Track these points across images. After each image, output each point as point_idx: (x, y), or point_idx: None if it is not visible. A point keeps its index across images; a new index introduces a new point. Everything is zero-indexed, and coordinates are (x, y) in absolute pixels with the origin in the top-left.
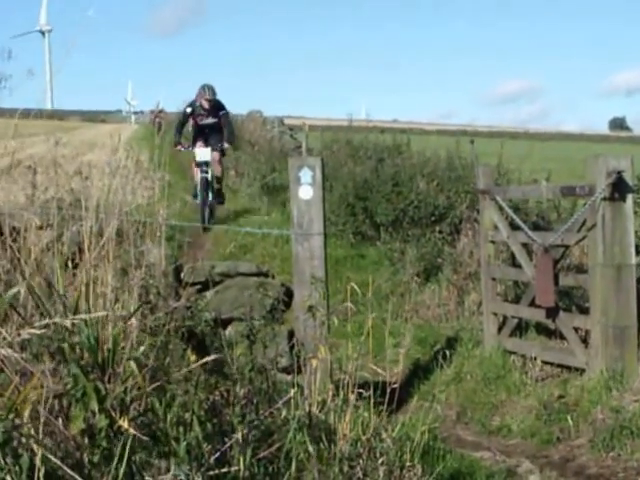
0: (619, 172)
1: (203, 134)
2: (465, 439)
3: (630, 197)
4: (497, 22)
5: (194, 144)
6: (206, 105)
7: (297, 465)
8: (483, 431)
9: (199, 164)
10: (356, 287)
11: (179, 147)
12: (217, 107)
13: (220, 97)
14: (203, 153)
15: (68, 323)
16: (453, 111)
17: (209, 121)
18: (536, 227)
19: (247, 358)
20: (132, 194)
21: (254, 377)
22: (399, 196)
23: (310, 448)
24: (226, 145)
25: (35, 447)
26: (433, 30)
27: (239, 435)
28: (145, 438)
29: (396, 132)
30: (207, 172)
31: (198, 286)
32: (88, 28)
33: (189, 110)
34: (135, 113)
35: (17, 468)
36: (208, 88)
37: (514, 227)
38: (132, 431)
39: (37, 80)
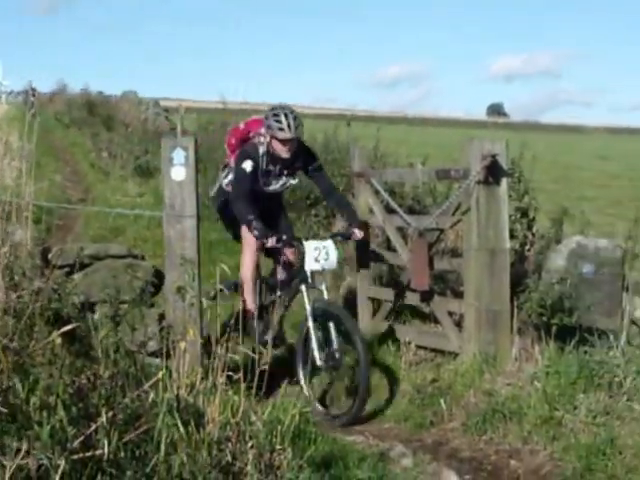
0: (493, 155)
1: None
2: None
3: (504, 181)
4: (381, 6)
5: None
6: (285, 152)
7: (165, 449)
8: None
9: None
10: (226, 269)
11: (269, 241)
12: (303, 155)
13: (94, 78)
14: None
15: None
16: (335, 95)
17: (279, 186)
18: (411, 211)
19: (112, 340)
20: (0, 174)
21: (120, 359)
22: None
23: (178, 431)
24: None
25: None
26: (318, 13)
27: (104, 418)
28: (3, 419)
29: None
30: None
31: (66, 269)
32: None
33: (250, 167)
34: (6, 93)
35: None
36: (288, 114)
37: (389, 211)
38: None
39: None
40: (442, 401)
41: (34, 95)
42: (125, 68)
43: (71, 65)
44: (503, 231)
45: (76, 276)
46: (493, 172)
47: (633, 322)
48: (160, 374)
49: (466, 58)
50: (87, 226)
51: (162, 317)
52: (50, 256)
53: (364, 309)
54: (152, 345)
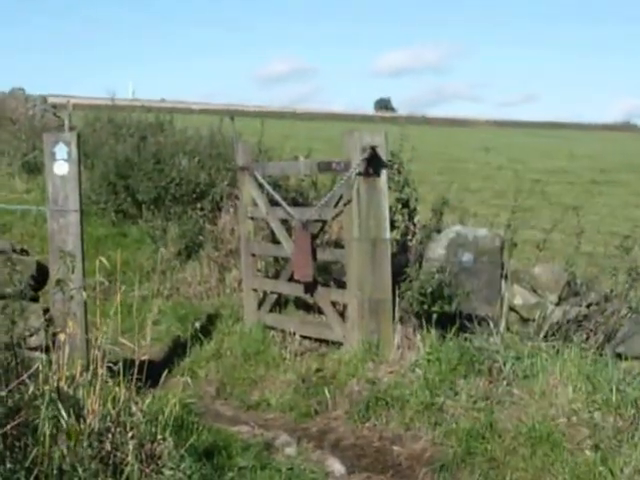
0: (372, 147)
1: None
2: (224, 414)
3: (384, 172)
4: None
5: None
6: None
7: (45, 441)
8: (242, 406)
9: None
10: (106, 262)
11: None
12: None
13: None
14: None
15: None
16: (223, 91)
17: None
18: (295, 203)
19: None
20: None
21: None
22: (161, 174)
23: (59, 423)
24: None
25: None
26: (203, 8)
27: None
28: None
29: (163, 111)
30: None
31: None
32: None
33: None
34: None
35: None
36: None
37: (273, 203)
38: None
39: None
40: (326, 390)
41: None
42: (12, 64)
43: None
44: (384, 221)
45: None
46: (373, 164)
47: (512, 309)
48: (37, 366)
49: (352, 54)
50: None
51: (47, 311)
52: None
53: (249, 300)
54: (36, 339)
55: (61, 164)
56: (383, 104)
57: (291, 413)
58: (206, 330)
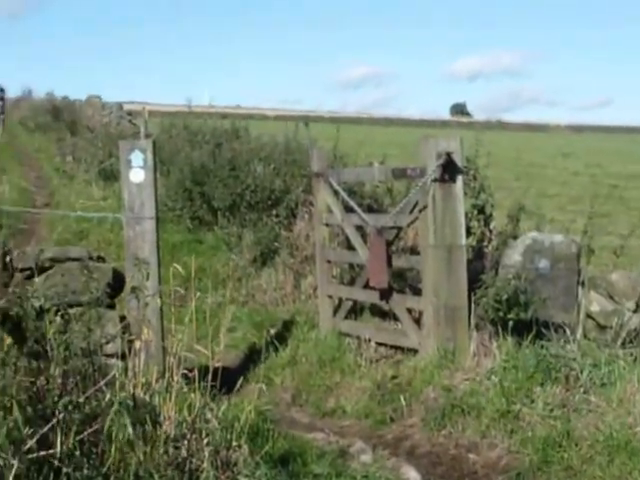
0: (448, 153)
1: None
2: (299, 421)
3: (460, 178)
4: (343, 7)
5: None
6: None
7: (121, 447)
8: (317, 413)
9: None
10: (180, 269)
11: None
12: None
13: (60, 83)
14: None
15: None
16: (299, 97)
17: None
18: (370, 210)
19: (65, 341)
20: None
21: (73, 360)
22: (236, 180)
23: (130, 430)
24: None
25: None
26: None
27: (58, 418)
28: None
29: (238, 118)
30: None
31: (27, 272)
32: None
33: None
34: None
35: None
36: None
37: (348, 210)
38: None
39: None
40: (402, 397)
41: (2, 99)
42: (91, 72)
43: (37, 70)
44: (459, 228)
45: (37, 279)
46: (448, 170)
47: (589, 316)
48: (113, 373)
49: (429, 58)
50: (52, 230)
51: (123, 319)
52: (7, 259)
53: (325, 307)
54: (112, 347)
55: (137, 171)
56: (459, 109)
57: (366, 420)
58: (281, 337)
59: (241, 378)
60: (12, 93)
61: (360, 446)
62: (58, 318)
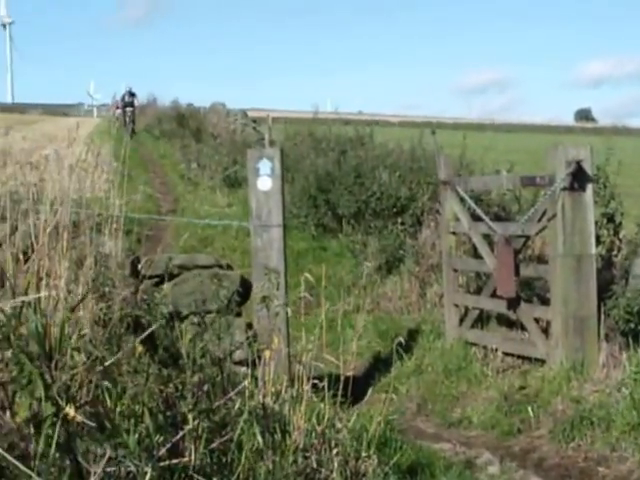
0: (578, 162)
1: None
2: (425, 431)
3: (590, 187)
4: (467, 13)
5: None
6: None
7: (250, 456)
8: (443, 423)
9: None
10: (310, 277)
11: None
12: None
13: (184, 90)
14: None
15: (8, 306)
16: (421, 102)
17: None
18: (497, 218)
19: (197, 348)
20: (91, 187)
21: (205, 368)
22: (361, 188)
23: (259, 439)
24: None
25: None
26: (402, 21)
27: (191, 426)
28: (92, 424)
29: (361, 124)
30: None
31: (156, 279)
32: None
33: None
34: (98, 106)
35: None
36: None
37: (475, 218)
38: (79, 418)
39: None
40: (529, 408)
41: (133, 105)
42: (214, 79)
43: (161, 77)
44: (589, 237)
45: (165, 286)
46: (578, 178)
47: None
48: (245, 382)
49: (552, 64)
50: (177, 237)
51: (250, 326)
52: (140, 267)
53: (451, 315)
54: (239, 354)
55: (265, 179)
56: (583, 114)
57: (493, 431)
58: (407, 345)
59: (369, 387)
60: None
61: (487, 457)
62: (188, 326)
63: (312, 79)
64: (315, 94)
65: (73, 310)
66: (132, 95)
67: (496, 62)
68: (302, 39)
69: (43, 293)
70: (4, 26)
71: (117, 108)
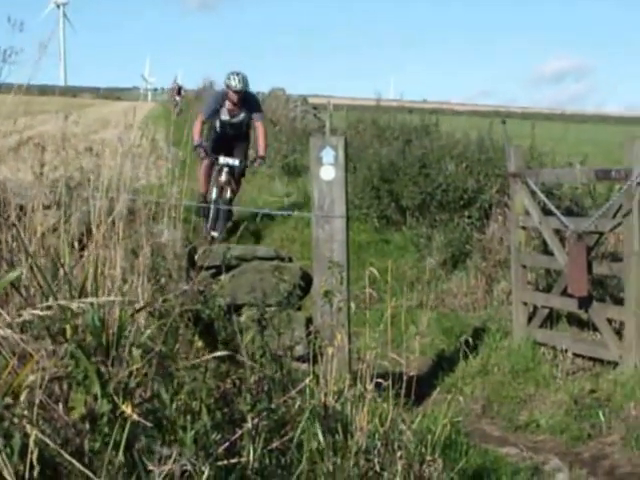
0: None
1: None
2: (490, 434)
3: None
4: None
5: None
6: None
7: (311, 457)
8: (510, 426)
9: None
10: (376, 272)
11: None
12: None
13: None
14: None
15: (75, 306)
16: (491, 90)
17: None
18: (569, 213)
19: (258, 344)
20: (146, 173)
21: (266, 364)
22: (426, 179)
23: (321, 439)
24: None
25: (29, 428)
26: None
27: (249, 425)
28: (149, 424)
29: (425, 112)
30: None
31: (213, 270)
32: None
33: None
34: (152, 90)
35: (8, 450)
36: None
37: (546, 212)
38: (135, 417)
39: (50, 55)
40: (600, 413)
41: (180, 93)
42: (275, 64)
43: (221, 62)
44: None
45: (223, 278)
46: None
47: None
48: (307, 380)
49: (632, 52)
50: (235, 226)
51: (310, 321)
52: (196, 257)
53: (519, 314)
54: (299, 350)
55: (328, 169)
56: None
57: (562, 436)
58: (472, 344)
59: (433, 387)
60: (194, 85)
61: (556, 464)
62: (247, 319)
63: (375, 65)
64: (378, 81)
65: (135, 309)
66: (179, 87)
67: (579, 48)
68: (366, 23)
69: (112, 298)
70: (58, 6)
71: (177, 93)
